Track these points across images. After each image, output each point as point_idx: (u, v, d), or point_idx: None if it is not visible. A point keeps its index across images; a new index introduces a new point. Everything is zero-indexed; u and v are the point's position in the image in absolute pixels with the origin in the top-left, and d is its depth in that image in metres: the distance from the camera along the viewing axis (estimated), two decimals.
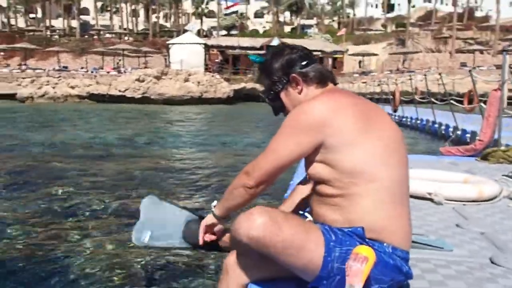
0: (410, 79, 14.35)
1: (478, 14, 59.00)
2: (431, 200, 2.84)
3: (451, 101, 9.44)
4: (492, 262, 1.82)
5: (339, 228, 1.43)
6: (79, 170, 7.62)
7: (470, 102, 11.55)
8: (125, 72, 35.21)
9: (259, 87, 35.97)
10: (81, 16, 55.01)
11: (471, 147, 5.59)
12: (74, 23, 52.99)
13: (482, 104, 6.43)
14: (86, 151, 9.96)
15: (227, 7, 57.97)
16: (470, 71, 7.89)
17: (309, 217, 1.63)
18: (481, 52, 43.68)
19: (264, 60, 1.64)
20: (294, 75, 1.56)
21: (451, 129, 9.22)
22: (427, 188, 2.91)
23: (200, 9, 59.03)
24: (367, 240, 1.40)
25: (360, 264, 1.27)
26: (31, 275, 3.40)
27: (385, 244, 1.40)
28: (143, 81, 32.00)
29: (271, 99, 1.62)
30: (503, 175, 3.86)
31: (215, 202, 1.71)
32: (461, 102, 11.99)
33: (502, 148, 5.12)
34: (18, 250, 3.88)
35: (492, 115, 5.38)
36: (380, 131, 1.44)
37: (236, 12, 60.59)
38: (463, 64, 38.82)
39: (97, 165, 8.15)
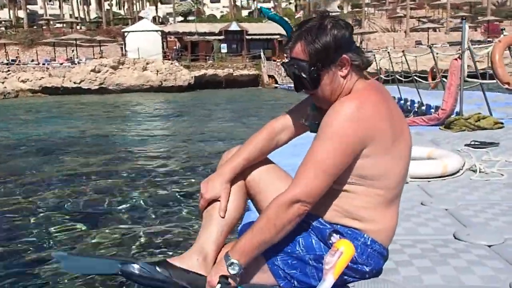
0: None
1: None
2: None
3: (415, 77, 9.68)
4: (456, 238, 1.88)
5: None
6: (34, 165, 7.24)
7: (434, 79, 11.92)
8: (79, 63, 33.83)
9: (221, 73, 35.50)
10: (28, 6, 52.20)
11: (434, 117, 5.69)
12: (21, 14, 50.32)
13: (444, 79, 6.57)
14: (39, 146, 9.50)
15: None
16: (430, 47, 8.08)
17: None
18: (434, 30, 44.96)
19: (309, 27, 1.38)
20: (346, 56, 1.38)
21: (416, 105, 9.43)
22: None
23: None
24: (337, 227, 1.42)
25: (334, 257, 1.25)
26: None
27: (365, 235, 1.41)
28: (99, 71, 30.92)
29: (309, 75, 1.39)
30: (465, 145, 3.92)
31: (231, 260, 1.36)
32: (425, 79, 12.31)
33: (464, 116, 5.23)
34: None
35: (454, 84, 5.45)
36: (404, 141, 1.43)
37: None
38: (418, 43, 39.87)
39: (52, 161, 7.78)
